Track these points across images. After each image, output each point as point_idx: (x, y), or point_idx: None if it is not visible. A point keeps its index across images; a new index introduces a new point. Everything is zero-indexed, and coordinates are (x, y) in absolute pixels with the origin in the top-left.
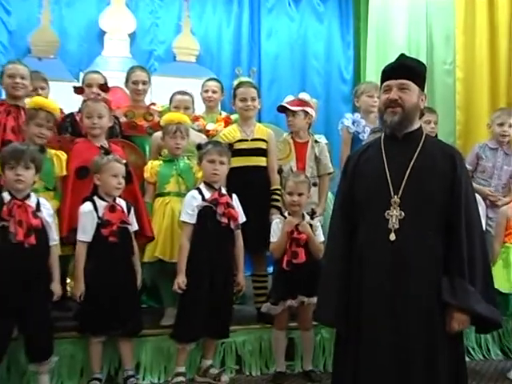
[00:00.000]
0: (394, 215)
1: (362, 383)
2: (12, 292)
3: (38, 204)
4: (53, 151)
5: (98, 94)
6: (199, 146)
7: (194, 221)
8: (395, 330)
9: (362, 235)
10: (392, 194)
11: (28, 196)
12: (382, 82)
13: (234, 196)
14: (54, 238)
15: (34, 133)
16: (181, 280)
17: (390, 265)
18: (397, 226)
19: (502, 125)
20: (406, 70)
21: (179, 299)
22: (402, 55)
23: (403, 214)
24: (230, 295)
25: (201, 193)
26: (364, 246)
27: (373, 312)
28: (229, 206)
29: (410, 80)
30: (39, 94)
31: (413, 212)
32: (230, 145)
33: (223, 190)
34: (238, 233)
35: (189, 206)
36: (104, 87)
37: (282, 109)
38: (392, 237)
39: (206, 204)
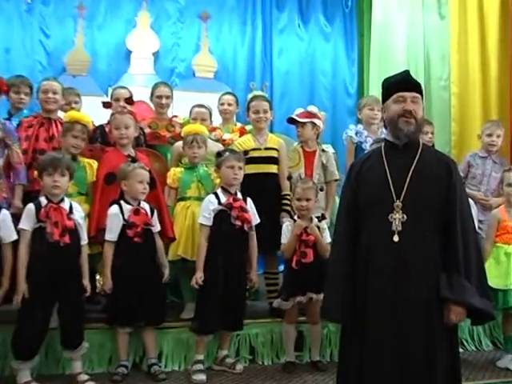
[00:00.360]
0: (397, 218)
1: (366, 381)
2: (49, 287)
3: (71, 207)
4: (85, 160)
5: (124, 107)
6: (219, 154)
7: (210, 223)
8: (398, 327)
9: (366, 237)
10: (394, 198)
11: (62, 200)
12: (393, 92)
13: (249, 200)
14: (85, 238)
15: (70, 143)
16: (198, 276)
17: (393, 264)
18: (400, 229)
19: (490, 135)
20: (416, 84)
21: (197, 296)
22: (407, 71)
23: (405, 217)
24: (243, 292)
25: (217, 197)
26: (369, 246)
27: (377, 312)
28: (242, 209)
29: (419, 93)
30: (73, 108)
31: (414, 215)
32: (245, 152)
33: (238, 195)
34: (252, 234)
35: (206, 210)
36: (129, 101)
37: (292, 120)
38: (395, 238)
39: (221, 208)
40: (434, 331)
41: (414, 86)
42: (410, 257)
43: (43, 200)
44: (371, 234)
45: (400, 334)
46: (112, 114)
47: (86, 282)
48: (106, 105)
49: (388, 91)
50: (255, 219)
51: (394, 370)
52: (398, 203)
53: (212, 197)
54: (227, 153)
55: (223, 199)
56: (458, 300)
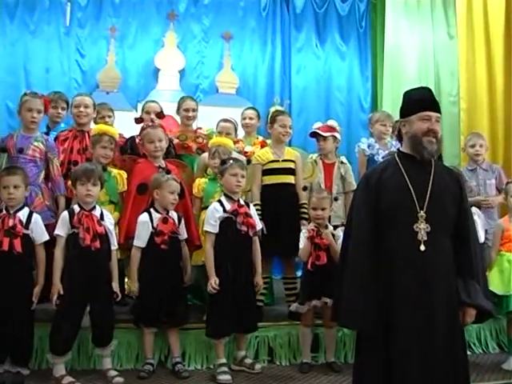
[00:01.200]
0: (422, 228)
1: (394, 377)
2: (82, 289)
3: (102, 214)
4: (116, 170)
5: (152, 120)
6: (223, 162)
7: (216, 230)
8: (426, 330)
9: (390, 244)
10: (418, 208)
11: (94, 208)
12: (420, 109)
13: (251, 206)
14: (115, 243)
15: (100, 154)
16: (213, 281)
17: (420, 272)
18: (425, 238)
19: (473, 146)
20: (438, 106)
21: (207, 301)
22: (429, 89)
23: (429, 227)
24: (251, 294)
25: (222, 205)
26: (394, 254)
27: (405, 318)
28: (247, 215)
29: (440, 114)
30: (106, 122)
31: (437, 225)
32: (248, 161)
33: (241, 201)
34: (255, 239)
35: (211, 217)
36: (160, 115)
37: (313, 134)
38: (422, 247)
39: (227, 215)
40: (456, 334)
41: (439, 107)
42: (435, 265)
43: (76, 207)
44: (396, 242)
45: (427, 338)
46: (144, 129)
47: (116, 285)
48: (138, 120)
49: (413, 107)
50: (258, 225)
51: (421, 370)
52: (422, 213)
53: (217, 204)
54: (231, 161)
55: (228, 206)
56: (474, 304)
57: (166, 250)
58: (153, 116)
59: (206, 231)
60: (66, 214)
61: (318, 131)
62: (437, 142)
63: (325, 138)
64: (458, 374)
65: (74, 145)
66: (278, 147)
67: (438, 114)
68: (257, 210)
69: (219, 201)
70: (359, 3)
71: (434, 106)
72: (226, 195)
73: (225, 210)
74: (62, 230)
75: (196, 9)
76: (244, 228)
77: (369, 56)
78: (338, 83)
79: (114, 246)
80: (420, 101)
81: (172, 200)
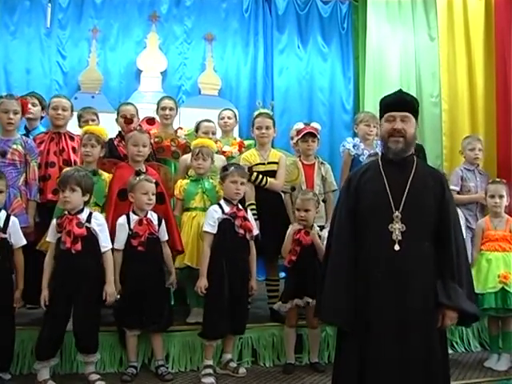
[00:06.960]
0: (397, 228)
1: (368, 376)
2: (65, 293)
3: (90, 217)
4: (106, 174)
5: (140, 126)
6: (224, 168)
7: (215, 231)
8: (399, 330)
9: (367, 245)
10: (393, 209)
11: (81, 211)
12: (385, 112)
13: (249, 211)
14: (105, 245)
15: (82, 153)
16: (202, 283)
17: (394, 271)
18: (400, 238)
19: (473, 149)
20: (408, 104)
21: (204, 302)
22: (401, 90)
23: (405, 227)
24: (245, 297)
25: (221, 207)
26: (370, 254)
27: (380, 315)
28: (245, 219)
29: (410, 113)
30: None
31: (412, 225)
32: (249, 168)
33: (239, 206)
34: (252, 243)
35: (210, 218)
36: (151, 121)
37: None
38: (396, 247)
39: (225, 217)
40: (432, 334)
41: (407, 105)
42: (410, 264)
43: (66, 212)
44: (372, 242)
45: (401, 338)
46: (131, 131)
47: (109, 286)
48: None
49: (382, 110)
50: (255, 230)
51: (396, 370)
52: (398, 214)
53: (216, 207)
54: (232, 168)
55: (226, 209)
56: (453, 306)
57: (143, 251)
58: (136, 119)
59: (205, 231)
60: (54, 220)
61: (312, 131)
62: (406, 140)
63: (315, 138)
64: (437, 373)
65: (50, 147)
66: (262, 150)
67: (405, 113)
68: (252, 209)
69: (219, 204)
70: (341, 5)
71: (399, 106)
72: (225, 199)
73: (223, 212)
74: (51, 237)
75: (178, 10)
76: (241, 231)
77: (351, 57)
78: (320, 84)
79: (105, 247)
80: (386, 103)
81: (146, 200)
